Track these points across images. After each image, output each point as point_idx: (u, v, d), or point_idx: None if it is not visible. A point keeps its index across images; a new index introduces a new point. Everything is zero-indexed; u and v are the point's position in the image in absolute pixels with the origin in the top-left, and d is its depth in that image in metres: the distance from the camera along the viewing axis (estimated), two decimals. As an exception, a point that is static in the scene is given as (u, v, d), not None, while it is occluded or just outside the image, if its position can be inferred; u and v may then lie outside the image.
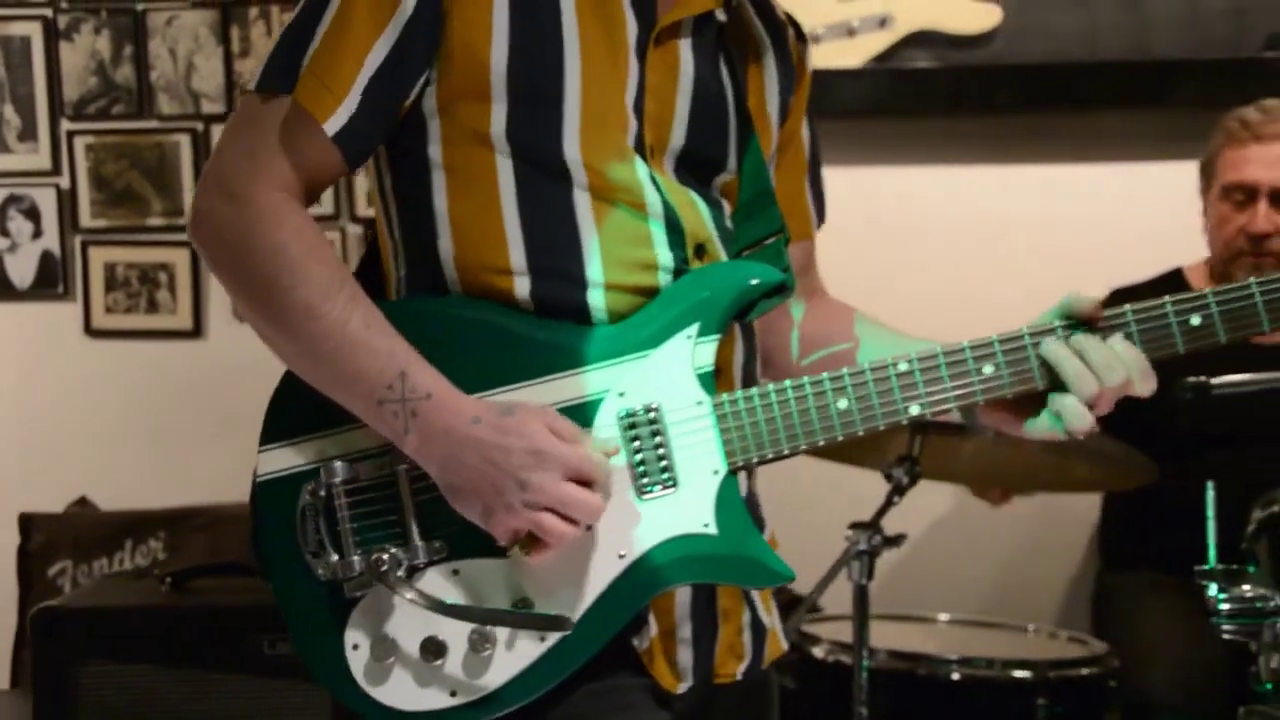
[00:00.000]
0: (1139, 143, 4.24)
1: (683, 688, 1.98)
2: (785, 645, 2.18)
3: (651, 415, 1.90)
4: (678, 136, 2.01)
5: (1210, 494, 2.62)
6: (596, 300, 1.94)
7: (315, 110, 1.89)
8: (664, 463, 1.89)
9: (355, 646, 1.90)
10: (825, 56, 4.24)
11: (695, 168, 2.04)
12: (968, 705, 3.34)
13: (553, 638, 1.87)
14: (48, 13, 4.52)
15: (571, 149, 1.93)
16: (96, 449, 4.56)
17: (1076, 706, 3.35)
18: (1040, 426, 1.92)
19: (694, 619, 1.99)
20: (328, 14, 1.90)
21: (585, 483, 1.83)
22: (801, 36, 2.20)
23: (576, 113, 1.93)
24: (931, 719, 3.37)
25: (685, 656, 1.99)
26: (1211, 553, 2.62)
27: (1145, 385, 1.89)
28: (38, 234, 4.56)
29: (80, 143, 4.53)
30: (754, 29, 2.13)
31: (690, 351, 1.92)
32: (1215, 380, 2.62)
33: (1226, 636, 2.59)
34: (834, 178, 4.27)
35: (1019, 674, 3.31)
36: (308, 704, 2.97)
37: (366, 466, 1.91)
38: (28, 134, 4.55)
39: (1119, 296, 3.93)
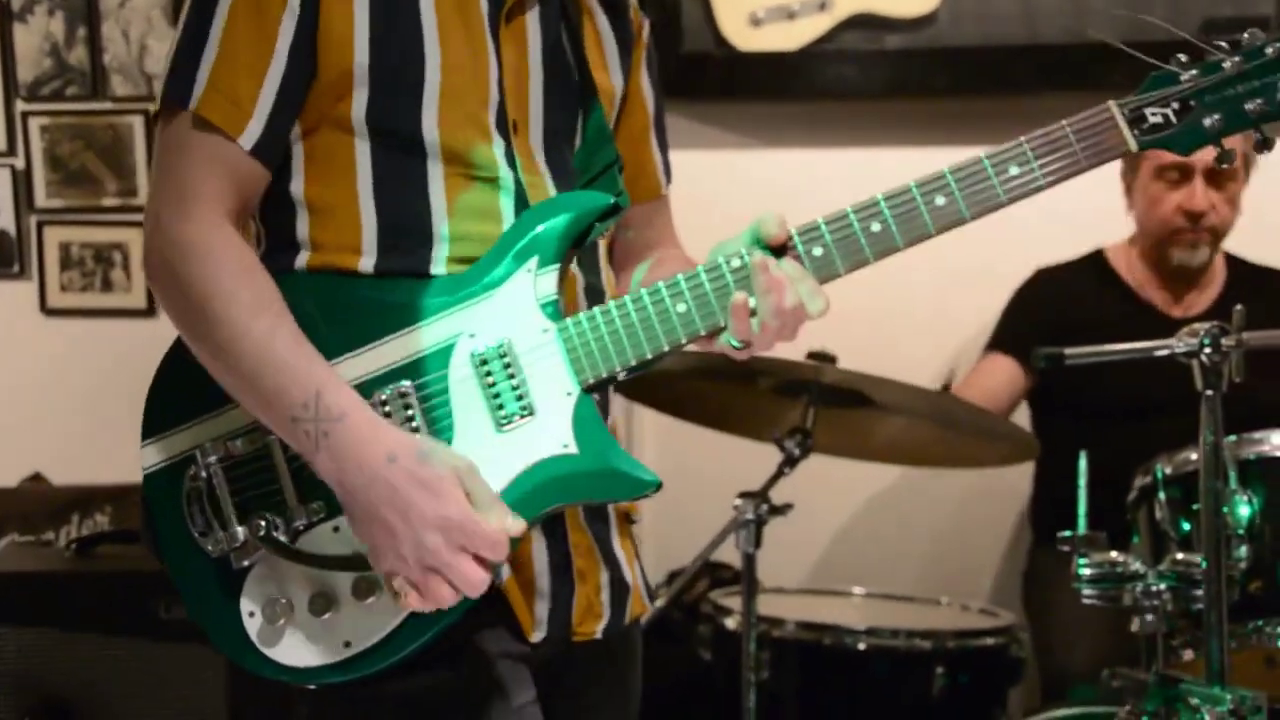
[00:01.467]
0: (1077, 125, 4.24)
1: (537, 636, 2.04)
2: (649, 604, 2.23)
3: (502, 350, 1.96)
4: (535, 109, 2.07)
5: (1083, 464, 2.66)
6: (440, 271, 2.00)
7: (229, 128, 1.95)
8: (518, 392, 1.95)
9: (251, 614, 1.96)
10: (765, 40, 4.28)
11: (554, 137, 2.10)
12: (870, 674, 3.39)
13: None
14: (1, -5, 4.58)
15: (430, 130, 1.99)
16: (51, 426, 4.61)
17: (976, 675, 3.40)
18: (724, 341, 1.99)
19: (552, 574, 2.05)
20: (216, 19, 1.95)
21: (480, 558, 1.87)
22: (642, 9, 2.26)
23: (435, 96, 1.99)
24: (835, 688, 3.41)
25: (542, 609, 2.04)
26: (1081, 521, 2.66)
27: (814, 304, 1.96)
28: (-7, 214, 4.62)
29: (35, 123, 4.58)
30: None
31: (532, 284, 1.98)
32: (1069, 350, 2.65)
33: (1088, 601, 2.62)
34: (773, 161, 4.36)
35: (920, 643, 3.36)
36: (202, 667, 3.02)
37: (240, 443, 1.97)
38: (-18, 115, 4.61)
39: (1043, 275, 3.98)
